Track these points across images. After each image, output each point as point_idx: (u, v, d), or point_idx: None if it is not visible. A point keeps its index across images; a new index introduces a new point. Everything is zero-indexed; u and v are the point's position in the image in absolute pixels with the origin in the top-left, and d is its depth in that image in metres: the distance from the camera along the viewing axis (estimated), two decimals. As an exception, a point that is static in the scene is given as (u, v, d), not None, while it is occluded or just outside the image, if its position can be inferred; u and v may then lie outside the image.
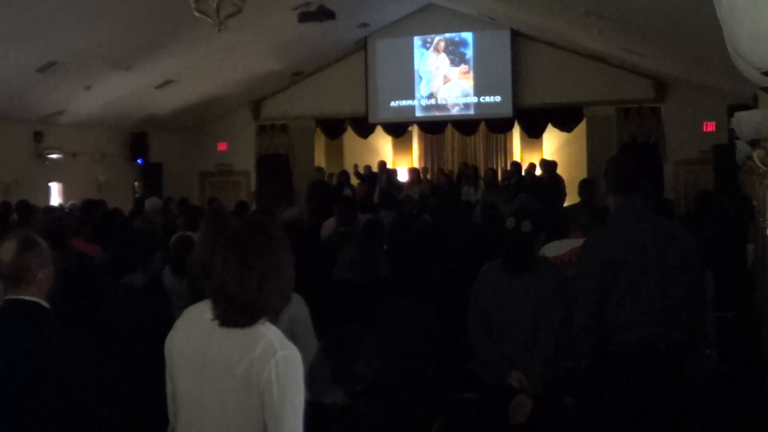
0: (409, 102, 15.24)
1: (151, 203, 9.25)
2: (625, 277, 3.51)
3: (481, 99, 14.81)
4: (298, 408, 2.20)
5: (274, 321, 2.28)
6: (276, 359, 2.16)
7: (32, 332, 2.71)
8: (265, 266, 2.24)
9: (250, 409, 2.19)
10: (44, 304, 2.80)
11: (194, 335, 2.29)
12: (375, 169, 14.73)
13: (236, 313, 2.22)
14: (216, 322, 2.24)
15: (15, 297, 2.76)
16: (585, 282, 3.60)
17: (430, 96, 15.12)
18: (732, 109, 8.51)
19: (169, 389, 2.37)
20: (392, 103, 15.27)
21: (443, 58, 14.95)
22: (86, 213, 8.19)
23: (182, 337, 2.32)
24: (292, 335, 3.31)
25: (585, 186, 7.69)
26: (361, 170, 14.83)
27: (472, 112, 14.99)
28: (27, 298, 2.76)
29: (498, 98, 14.66)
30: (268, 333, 2.23)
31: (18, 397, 2.65)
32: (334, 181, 14.46)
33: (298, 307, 3.50)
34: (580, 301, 3.60)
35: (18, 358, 2.66)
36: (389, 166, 16.47)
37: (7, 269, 2.74)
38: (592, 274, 3.56)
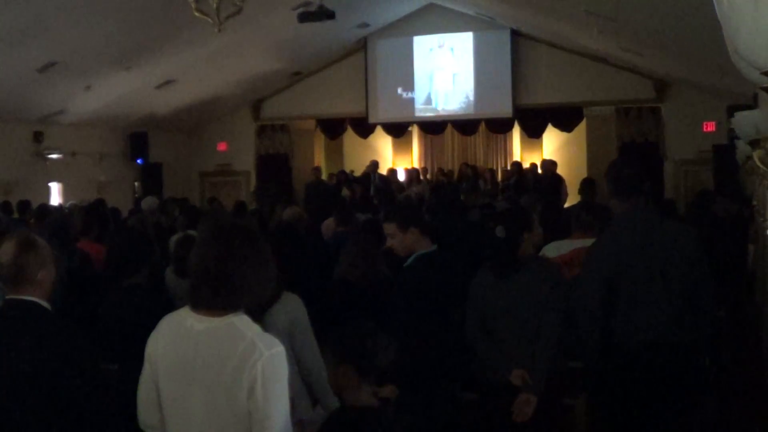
0: (409, 102, 15.22)
1: (148, 203, 9.26)
2: (631, 282, 3.50)
3: (481, 99, 14.79)
4: (284, 405, 2.22)
5: (257, 319, 2.28)
6: (263, 360, 2.17)
7: (32, 332, 2.70)
8: (246, 254, 2.28)
9: (239, 410, 2.20)
10: (44, 304, 2.80)
11: (180, 343, 2.28)
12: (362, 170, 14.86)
13: (213, 294, 2.23)
14: (200, 329, 2.24)
15: (15, 297, 2.76)
16: (588, 288, 3.60)
17: (430, 96, 15.11)
18: (732, 109, 8.49)
19: (144, 393, 2.36)
20: (392, 104, 15.27)
21: (443, 58, 14.94)
22: (91, 213, 8.17)
23: (167, 344, 2.31)
24: (291, 337, 3.31)
25: (586, 185, 7.64)
26: (356, 173, 14.92)
27: (472, 112, 14.97)
28: (27, 298, 2.76)
29: (498, 98, 14.64)
30: (248, 332, 2.22)
31: (17, 398, 2.65)
32: (333, 181, 14.47)
33: (296, 309, 3.49)
34: (584, 307, 3.59)
35: (17, 359, 2.66)
36: (390, 166, 16.50)
37: (6, 270, 2.75)
38: (595, 280, 3.56)
